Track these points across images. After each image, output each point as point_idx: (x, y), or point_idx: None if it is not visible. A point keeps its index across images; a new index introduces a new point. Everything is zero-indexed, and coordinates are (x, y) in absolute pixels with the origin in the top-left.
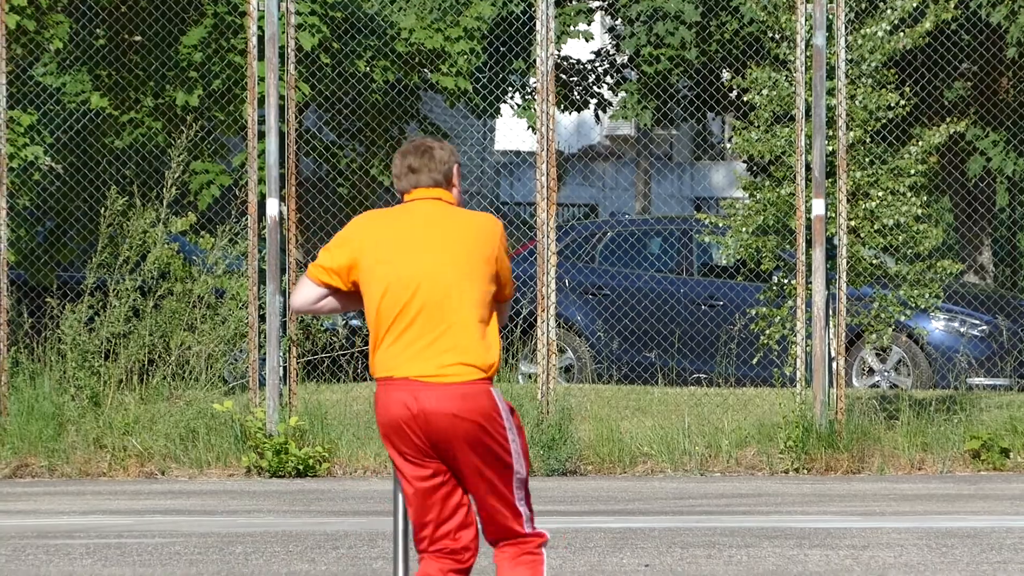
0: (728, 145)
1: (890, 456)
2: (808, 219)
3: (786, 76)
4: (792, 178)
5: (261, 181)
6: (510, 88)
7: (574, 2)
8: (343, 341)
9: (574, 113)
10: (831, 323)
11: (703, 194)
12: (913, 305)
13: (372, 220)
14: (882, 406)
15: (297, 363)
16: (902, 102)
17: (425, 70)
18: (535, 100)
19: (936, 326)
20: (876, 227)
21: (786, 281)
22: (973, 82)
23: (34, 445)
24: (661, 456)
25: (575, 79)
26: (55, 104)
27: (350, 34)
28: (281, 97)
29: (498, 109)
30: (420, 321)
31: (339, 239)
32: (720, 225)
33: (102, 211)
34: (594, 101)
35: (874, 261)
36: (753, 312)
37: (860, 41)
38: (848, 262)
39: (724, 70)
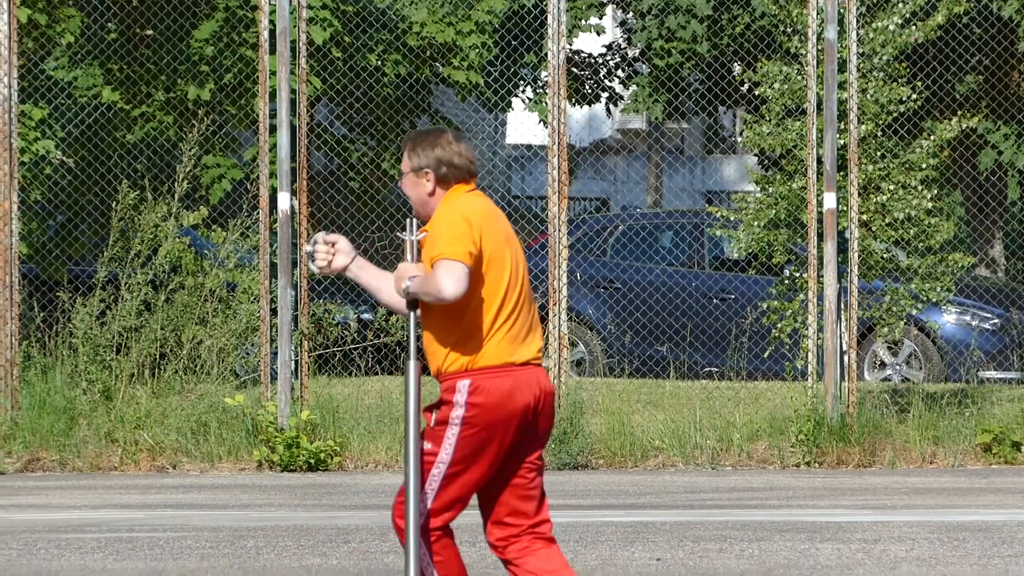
0: (740, 139)
1: (901, 450)
2: (820, 213)
3: (797, 70)
4: (803, 172)
5: (272, 175)
6: (521, 82)
7: None
8: (355, 335)
9: (585, 107)
10: (843, 317)
11: (714, 188)
12: (925, 299)
13: (473, 206)
14: (894, 400)
15: (309, 357)
16: (914, 96)
17: (437, 64)
18: (546, 94)
19: (948, 319)
20: (887, 221)
21: (797, 275)
22: (985, 76)
23: (46, 439)
24: (672, 450)
25: (586, 73)
26: (67, 98)
27: (361, 28)
28: (293, 91)
29: (509, 103)
30: (524, 307)
31: (458, 226)
32: (732, 219)
33: (114, 205)
34: (605, 95)
35: (885, 255)
36: (765, 306)
37: (872, 35)
38: (860, 256)
39: (736, 64)
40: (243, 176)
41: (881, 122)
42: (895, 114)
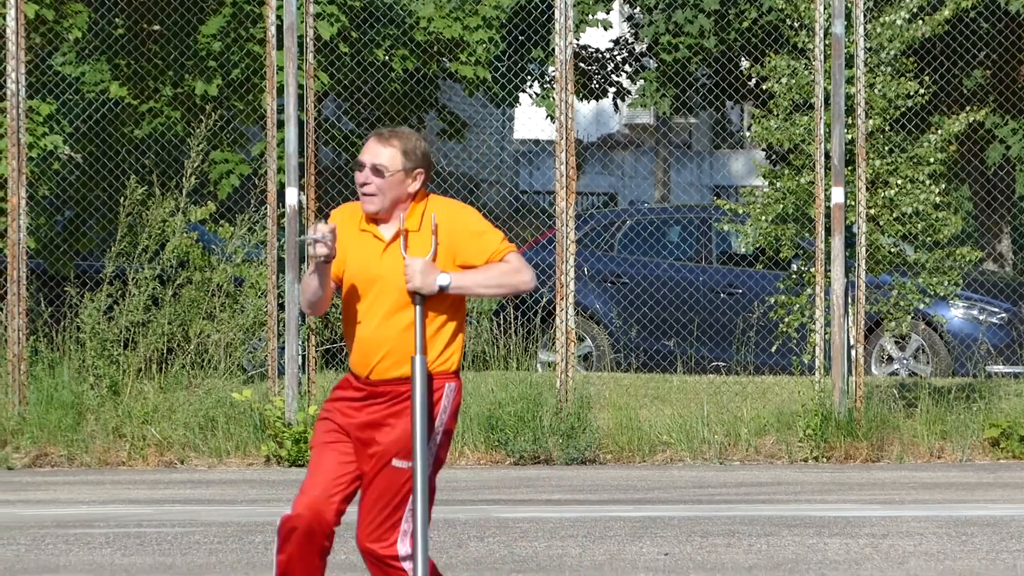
0: (747, 133)
1: (909, 444)
2: (827, 207)
3: (805, 64)
4: (811, 166)
5: (280, 170)
6: (529, 77)
7: None
8: None
9: (593, 102)
10: (850, 311)
11: (722, 182)
12: (932, 293)
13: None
14: (901, 394)
15: (316, 351)
16: (921, 90)
17: (444, 59)
18: (554, 89)
19: (955, 314)
20: (895, 215)
21: (805, 269)
22: (992, 70)
23: (53, 434)
24: (680, 445)
25: (594, 68)
26: (74, 94)
27: (369, 23)
28: (300, 86)
29: (517, 98)
30: None
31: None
32: (739, 213)
33: (121, 200)
34: (613, 90)
35: (893, 249)
36: (772, 300)
37: (879, 29)
38: (867, 250)
39: (743, 58)
40: (251, 171)
41: (889, 117)
42: (903, 109)
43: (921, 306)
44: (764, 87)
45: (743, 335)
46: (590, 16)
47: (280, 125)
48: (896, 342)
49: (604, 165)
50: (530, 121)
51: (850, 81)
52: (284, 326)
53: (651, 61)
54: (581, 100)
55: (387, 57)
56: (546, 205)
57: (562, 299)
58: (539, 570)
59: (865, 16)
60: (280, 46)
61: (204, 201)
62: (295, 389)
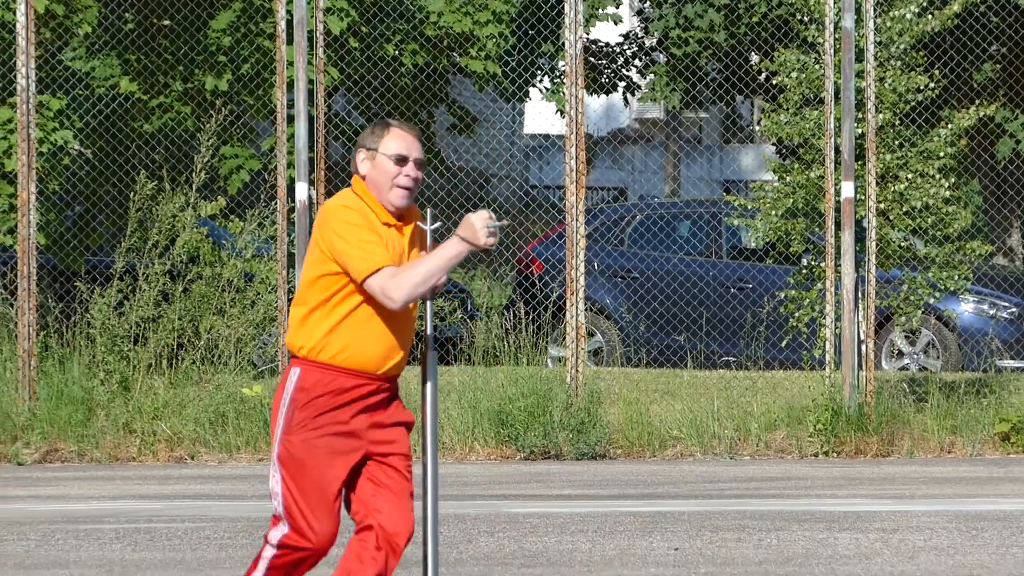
0: (757, 128)
1: (919, 439)
2: (837, 202)
3: (815, 59)
4: (821, 161)
5: (290, 165)
6: (539, 71)
7: None
8: None
9: (603, 96)
10: (860, 306)
11: (732, 177)
12: (942, 287)
13: None
14: (911, 389)
15: None
16: (931, 84)
17: (454, 54)
18: (564, 83)
19: (965, 308)
20: (905, 209)
21: (815, 264)
22: (1002, 64)
23: (63, 430)
24: (690, 440)
25: (604, 62)
26: (84, 89)
27: (379, 18)
28: (310, 81)
29: (527, 93)
30: None
31: None
32: (749, 208)
33: (131, 195)
34: (623, 84)
35: (903, 243)
36: (782, 295)
37: (889, 23)
38: (877, 244)
39: (753, 53)
40: (261, 166)
41: (899, 111)
42: (913, 103)
43: (931, 301)
44: (774, 81)
45: (753, 330)
46: (600, 11)
47: (290, 120)
48: (906, 337)
49: (614, 160)
50: (540, 116)
51: (860, 75)
52: None
53: (661, 55)
54: (591, 95)
55: (397, 52)
56: (556, 200)
57: (572, 294)
58: (549, 565)
59: (875, 10)
60: (290, 41)
61: (214, 196)
62: None
